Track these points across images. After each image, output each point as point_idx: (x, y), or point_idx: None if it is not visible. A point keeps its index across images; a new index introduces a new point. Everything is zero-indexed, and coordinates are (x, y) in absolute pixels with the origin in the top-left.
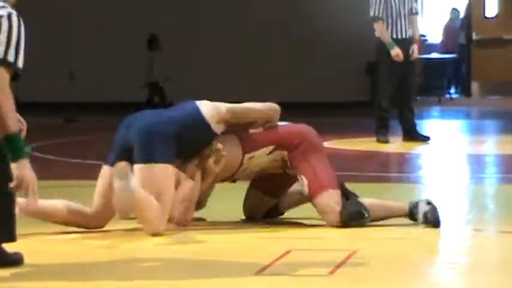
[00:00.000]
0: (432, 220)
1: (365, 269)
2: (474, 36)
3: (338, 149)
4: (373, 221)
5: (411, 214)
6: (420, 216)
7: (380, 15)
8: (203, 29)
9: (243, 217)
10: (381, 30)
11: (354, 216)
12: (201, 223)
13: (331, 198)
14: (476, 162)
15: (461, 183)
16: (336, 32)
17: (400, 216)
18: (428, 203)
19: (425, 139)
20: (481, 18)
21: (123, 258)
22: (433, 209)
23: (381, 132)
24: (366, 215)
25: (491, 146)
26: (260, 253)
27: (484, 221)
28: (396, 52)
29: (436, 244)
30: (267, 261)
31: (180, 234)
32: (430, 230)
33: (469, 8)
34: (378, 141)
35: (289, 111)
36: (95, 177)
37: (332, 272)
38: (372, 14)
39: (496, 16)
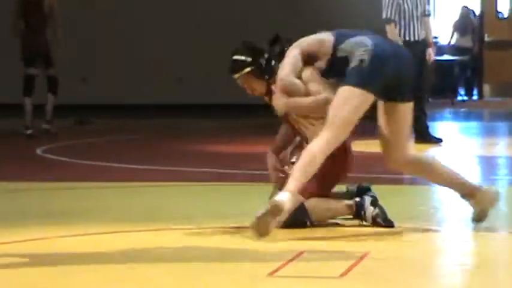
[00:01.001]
0: (384, 224)
1: (377, 271)
2: (486, 38)
3: None
4: (318, 222)
5: (358, 214)
6: (369, 218)
7: (392, 18)
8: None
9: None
10: (392, 33)
11: (292, 224)
12: (212, 224)
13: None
14: (488, 164)
15: None
16: None
17: (346, 215)
18: (373, 202)
19: (437, 141)
20: (493, 19)
21: (134, 257)
22: (382, 213)
23: None
24: (308, 223)
25: (503, 148)
26: (273, 254)
27: (495, 222)
28: None
29: (447, 246)
30: (279, 262)
31: (193, 234)
32: (442, 232)
33: (464, 10)
34: None
35: None
36: (107, 178)
37: (344, 274)
38: (384, 16)
39: (508, 17)
